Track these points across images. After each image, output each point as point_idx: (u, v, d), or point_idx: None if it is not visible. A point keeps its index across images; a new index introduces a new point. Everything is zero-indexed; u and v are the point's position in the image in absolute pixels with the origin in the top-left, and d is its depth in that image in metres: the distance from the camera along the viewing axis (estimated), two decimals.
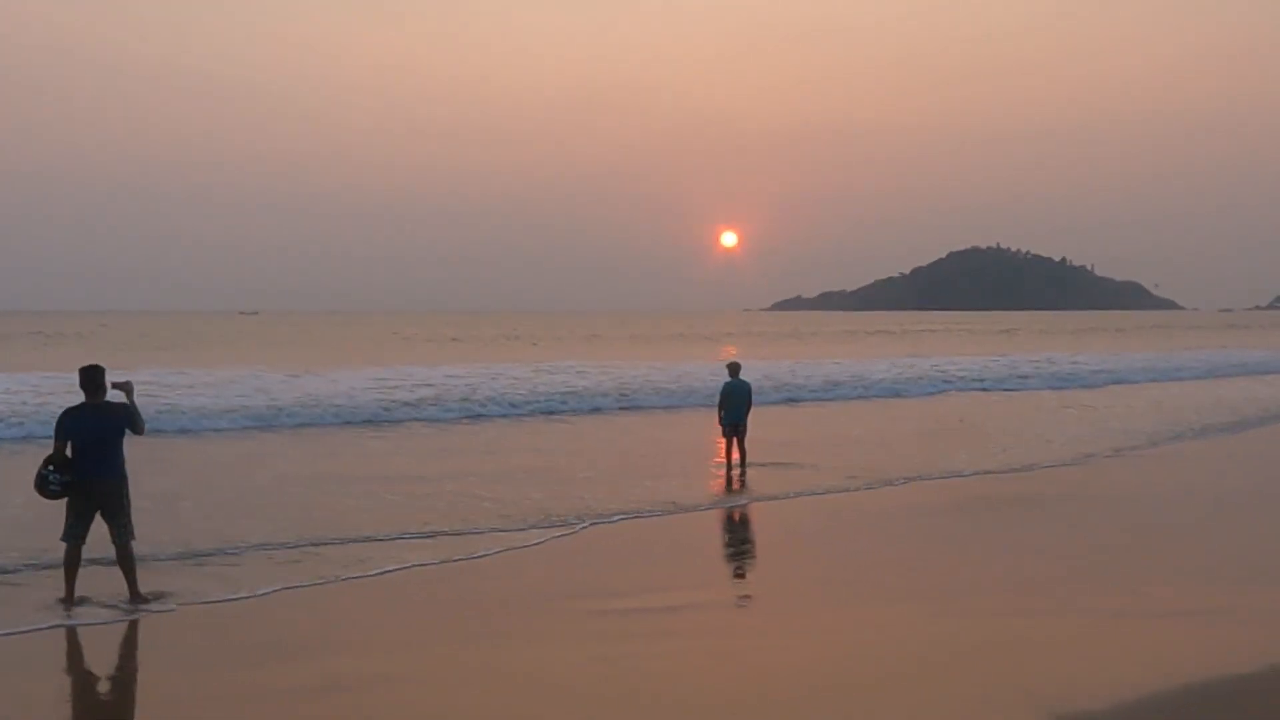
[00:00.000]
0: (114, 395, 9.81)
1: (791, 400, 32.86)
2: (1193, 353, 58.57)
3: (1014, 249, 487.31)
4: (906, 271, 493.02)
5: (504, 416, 27.28)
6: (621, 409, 29.51)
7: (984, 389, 37.75)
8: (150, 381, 29.65)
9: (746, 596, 10.78)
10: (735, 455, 18.18)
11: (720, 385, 18.83)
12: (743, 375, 18.79)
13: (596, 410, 28.97)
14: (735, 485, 17.26)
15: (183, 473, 17.67)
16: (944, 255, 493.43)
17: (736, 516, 15.41)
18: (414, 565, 11.05)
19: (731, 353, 55.45)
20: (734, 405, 18.25)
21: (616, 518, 13.92)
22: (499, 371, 36.42)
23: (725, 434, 18.32)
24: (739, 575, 11.68)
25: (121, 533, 9.67)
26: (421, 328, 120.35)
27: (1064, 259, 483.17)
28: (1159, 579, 10.73)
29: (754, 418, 18.52)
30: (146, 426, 10.17)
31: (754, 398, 18.82)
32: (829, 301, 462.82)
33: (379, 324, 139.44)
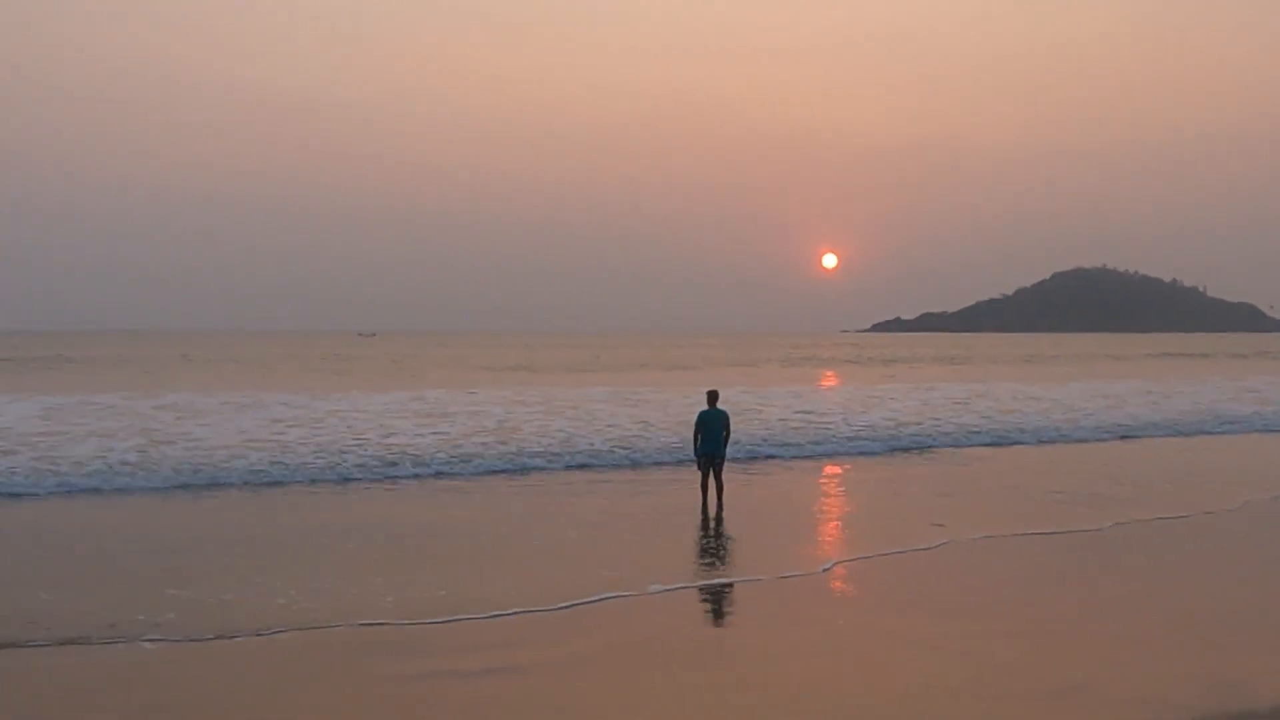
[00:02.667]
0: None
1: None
2: None
3: (1121, 269, 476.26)
4: (1009, 292, 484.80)
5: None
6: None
7: None
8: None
9: None
10: (712, 488, 18.29)
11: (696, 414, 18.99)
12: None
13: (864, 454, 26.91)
14: (712, 513, 17.51)
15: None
16: (1048, 276, 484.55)
17: None
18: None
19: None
20: (710, 435, 18.39)
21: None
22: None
23: (701, 465, 18.51)
24: None
25: None
26: (538, 349, 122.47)
27: (1174, 280, 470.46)
28: None
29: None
30: None
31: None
32: (929, 323, 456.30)
33: (490, 343, 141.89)
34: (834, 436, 28.84)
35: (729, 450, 18.82)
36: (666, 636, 10.28)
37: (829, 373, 75.68)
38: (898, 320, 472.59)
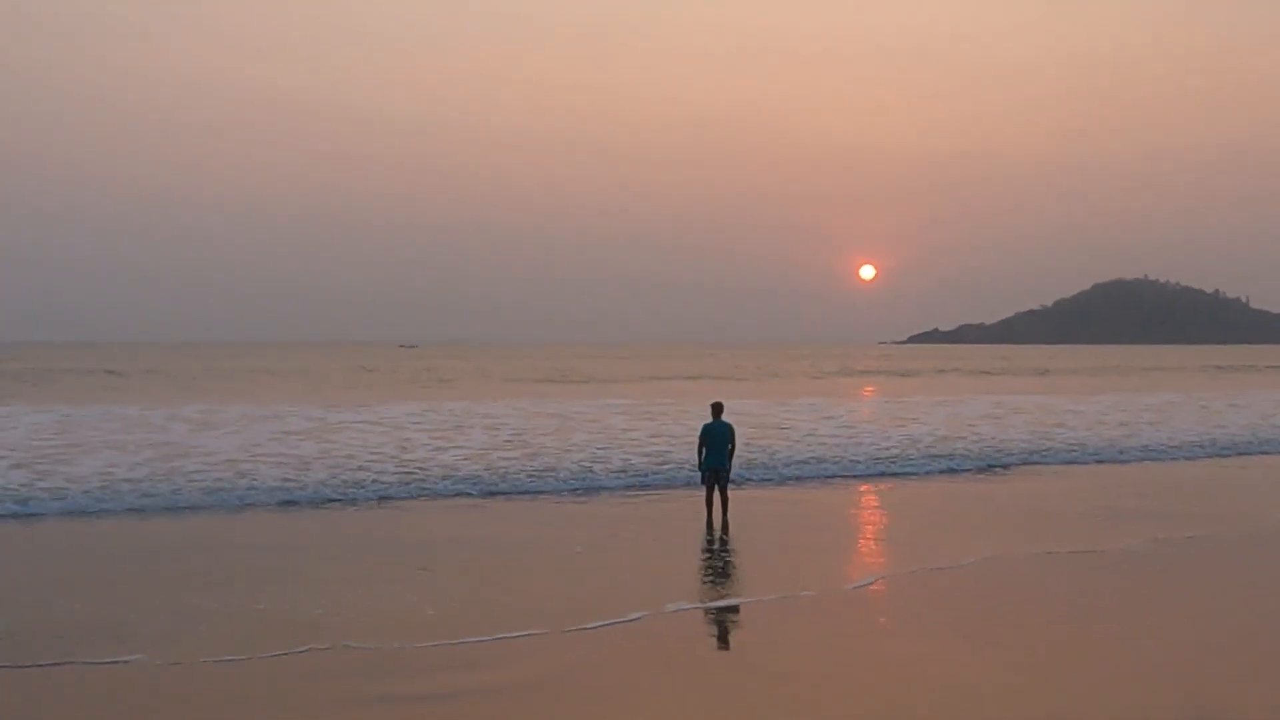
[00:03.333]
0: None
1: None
2: None
3: (1163, 280, 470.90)
4: (1048, 303, 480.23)
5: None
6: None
7: None
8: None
9: None
10: (717, 503, 18.07)
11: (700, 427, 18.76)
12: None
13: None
14: (717, 532, 17.24)
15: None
16: (1088, 287, 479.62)
17: None
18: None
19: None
20: (715, 448, 18.15)
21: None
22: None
23: (704, 479, 18.24)
24: None
25: None
26: (574, 360, 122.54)
27: (1217, 291, 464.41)
28: None
29: None
30: None
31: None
32: (967, 334, 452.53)
33: (526, 355, 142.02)
34: (851, 456, 27.35)
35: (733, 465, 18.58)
36: (649, 661, 10.04)
37: (854, 383, 75.04)
38: (935, 331, 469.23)
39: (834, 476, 24.74)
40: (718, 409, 18.48)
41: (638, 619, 11.26)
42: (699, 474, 18.41)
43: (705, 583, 13.59)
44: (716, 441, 18.11)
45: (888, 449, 28.74)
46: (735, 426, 18.66)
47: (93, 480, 21.29)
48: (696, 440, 18.43)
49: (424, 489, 21.70)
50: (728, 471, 18.23)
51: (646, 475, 23.77)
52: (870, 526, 19.11)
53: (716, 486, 18.15)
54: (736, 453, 18.67)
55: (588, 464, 24.81)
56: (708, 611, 11.91)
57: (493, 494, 21.45)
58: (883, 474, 25.34)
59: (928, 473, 25.62)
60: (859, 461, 26.61)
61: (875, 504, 21.40)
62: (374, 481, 22.08)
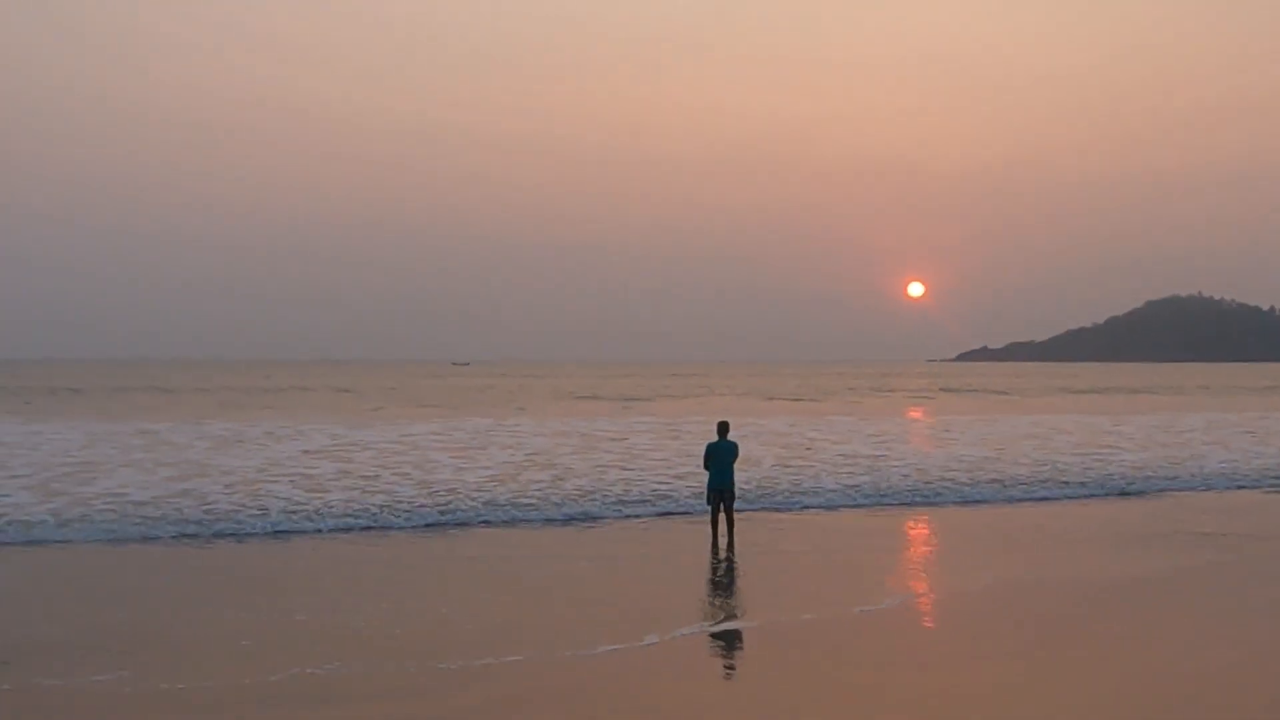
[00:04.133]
0: None
1: None
2: None
3: (1218, 297, 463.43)
4: (1100, 321, 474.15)
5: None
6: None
7: None
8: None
9: None
10: (722, 524, 17.77)
11: (706, 445, 18.44)
12: None
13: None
14: (722, 554, 16.91)
15: None
16: (1141, 304, 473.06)
17: None
18: None
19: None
20: (720, 468, 17.85)
21: None
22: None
23: (710, 499, 17.93)
24: None
25: None
26: (618, 378, 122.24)
27: (1273, 308, 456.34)
28: None
29: None
30: None
31: None
32: (1016, 352, 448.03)
33: (574, 373, 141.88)
34: (866, 482, 25.54)
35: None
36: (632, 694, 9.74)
37: (887, 402, 74.18)
38: (984, 349, 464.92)
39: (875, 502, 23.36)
40: (723, 428, 18.18)
41: (612, 650, 10.92)
42: (705, 494, 18.12)
43: (702, 608, 13.24)
44: (722, 461, 17.82)
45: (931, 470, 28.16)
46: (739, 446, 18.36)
47: (99, 503, 20.82)
48: (702, 459, 18.15)
49: (449, 515, 20.42)
50: (733, 492, 17.93)
51: (664, 500, 22.74)
52: (896, 550, 18.64)
53: (722, 507, 17.85)
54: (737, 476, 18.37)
55: (601, 485, 24.56)
56: (694, 637, 11.56)
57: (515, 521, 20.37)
58: (928, 500, 23.79)
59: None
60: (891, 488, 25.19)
61: (918, 529, 20.94)
62: (382, 509, 20.64)
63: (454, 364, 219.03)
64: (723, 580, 15.19)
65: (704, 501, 18.45)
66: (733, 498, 17.93)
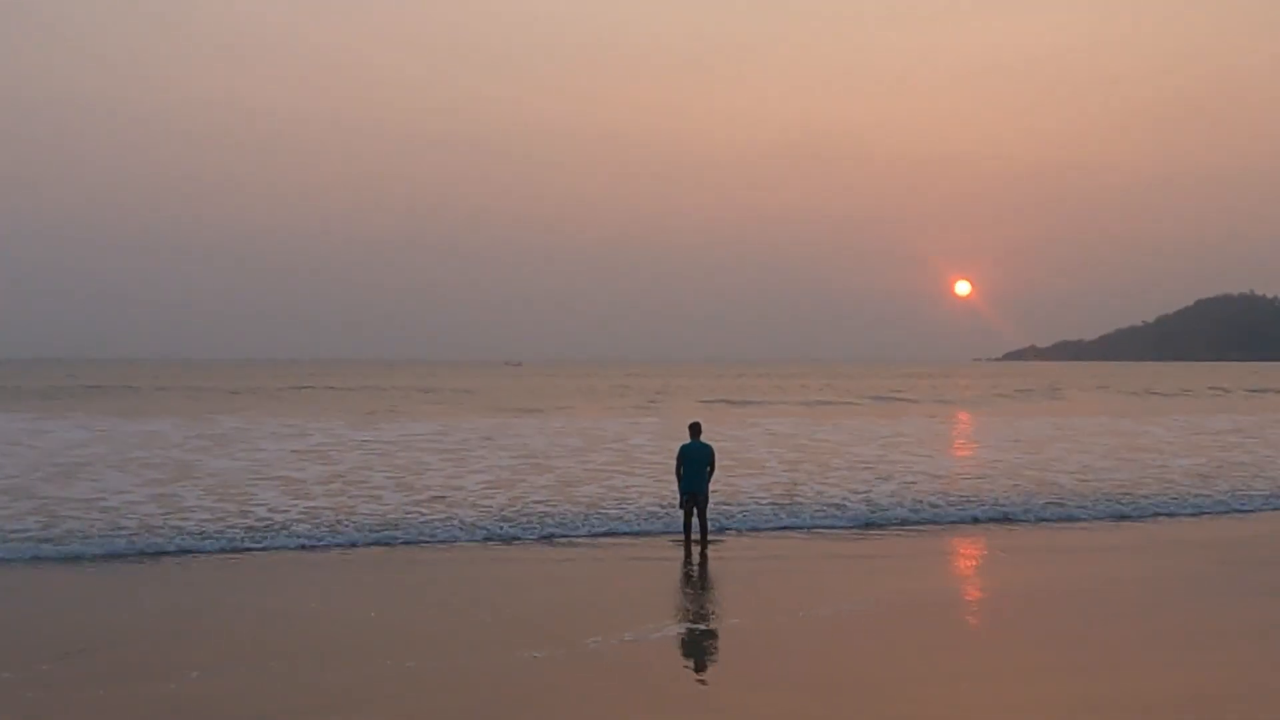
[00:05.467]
0: None
1: None
2: None
3: (1270, 295, 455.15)
4: (1150, 320, 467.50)
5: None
6: None
7: None
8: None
9: None
10: (696, 531, 16.99)
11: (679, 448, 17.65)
12: None
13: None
14: (694, 560, 16.18)
15: None
16: (1191, 303, 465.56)
17: None
18: None
19: None
20: (693, 471, 17.10)
21: None
22: None
23: (683, 503, 17.19)
24: None
25: None
26: (655, 377, 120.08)
27: None
28: None
29: None
30: None
31: None
32: (1064, 351, 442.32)
33: (621, 373, 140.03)
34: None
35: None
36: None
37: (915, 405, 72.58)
38: (1032, 348, 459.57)
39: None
40: (695, 429, 17.47)
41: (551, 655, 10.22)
42: (678, 499, 17.35)
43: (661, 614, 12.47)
44: (694, 464, 17.09)
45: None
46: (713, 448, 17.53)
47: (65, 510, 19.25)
48: (675, 463, 17.40)
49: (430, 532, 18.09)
50: (706, 496, 17.19)
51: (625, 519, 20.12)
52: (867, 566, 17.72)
53: (695, 512, 17.10)
54: (717, 475, 17.60)
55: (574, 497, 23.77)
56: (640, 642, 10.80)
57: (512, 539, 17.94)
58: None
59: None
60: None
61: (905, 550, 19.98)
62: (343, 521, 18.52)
63: (507, 363, 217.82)
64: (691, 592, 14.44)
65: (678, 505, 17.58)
66: (706, 501, 17.19)
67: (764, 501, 21.37)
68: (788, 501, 21.45)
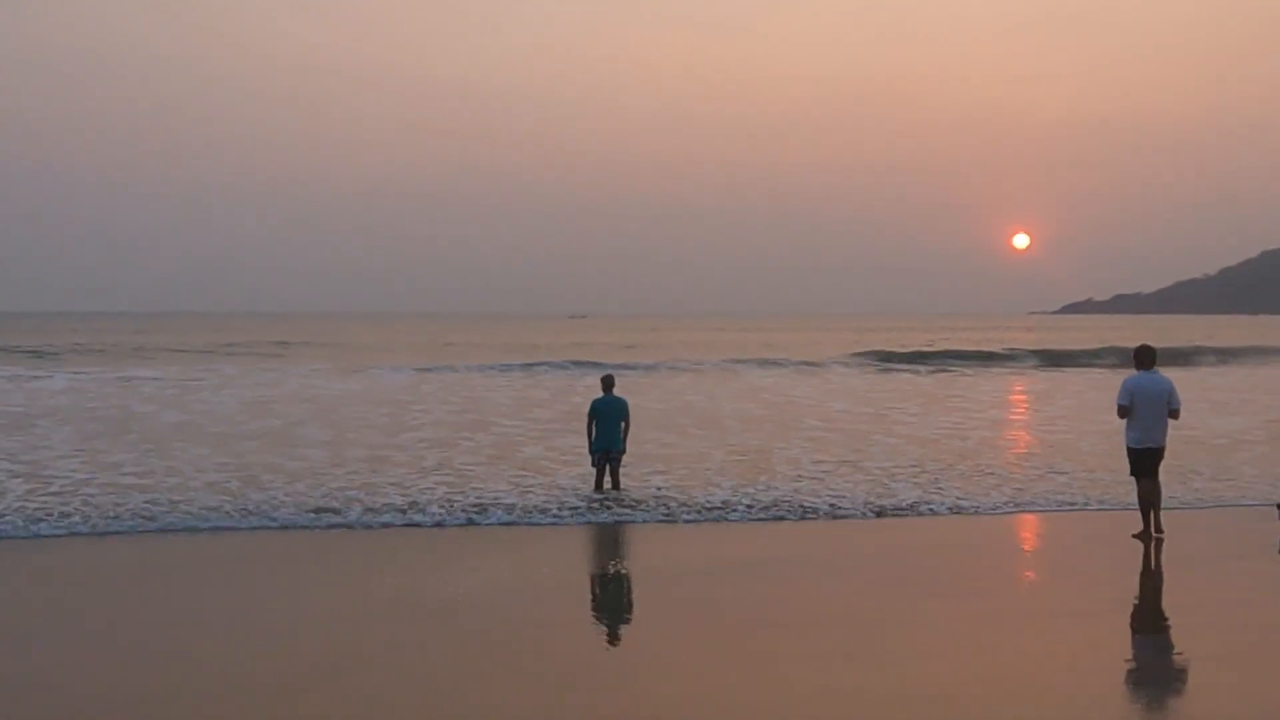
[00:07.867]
0: None
1: None
2: None
3: None
4: (1213, 272, 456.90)
5: None
6: None
7: None
8: None
9: None
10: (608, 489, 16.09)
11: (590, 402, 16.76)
12: None
13: None
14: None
15: None
16: (1256, 255, 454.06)
17: None
18: None
19: None
20: (606, 428, 16.28)
21: None
22: None
23: (595, 462, 16.34)
24: None
25: None
26: (710, 330, 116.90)
27: None
28: None
29: None
30: None
31: None
32: (1123, 304, 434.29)
33: (673, 325, 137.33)
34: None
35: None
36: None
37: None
38: (1090, 301, 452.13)
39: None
40: (608, 382, 16.68)
41: None
42: (590, 456, 16.50)
43: None
44: (608, 419, 16.28)
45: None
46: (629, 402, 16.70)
47: None
48: (587, 419, 16.54)
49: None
50: (621, 453, 16.37)
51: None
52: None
53: (608, 470, 16.28)
54: (633, 431, 16.75)
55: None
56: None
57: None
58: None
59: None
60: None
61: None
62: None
63: (572, 317, 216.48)
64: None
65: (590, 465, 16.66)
66: (619, 458, 16.36)
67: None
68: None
